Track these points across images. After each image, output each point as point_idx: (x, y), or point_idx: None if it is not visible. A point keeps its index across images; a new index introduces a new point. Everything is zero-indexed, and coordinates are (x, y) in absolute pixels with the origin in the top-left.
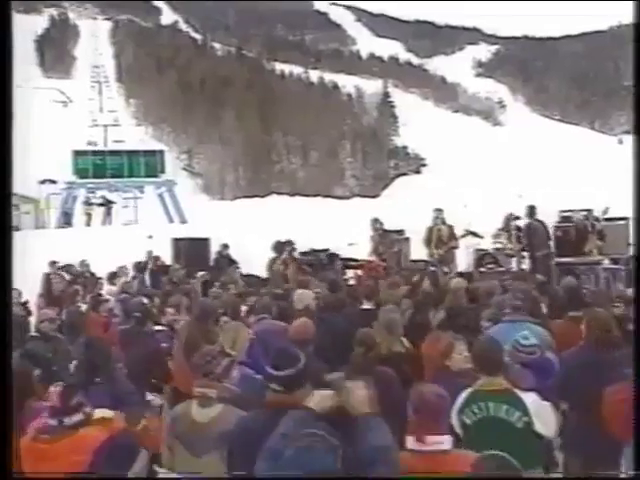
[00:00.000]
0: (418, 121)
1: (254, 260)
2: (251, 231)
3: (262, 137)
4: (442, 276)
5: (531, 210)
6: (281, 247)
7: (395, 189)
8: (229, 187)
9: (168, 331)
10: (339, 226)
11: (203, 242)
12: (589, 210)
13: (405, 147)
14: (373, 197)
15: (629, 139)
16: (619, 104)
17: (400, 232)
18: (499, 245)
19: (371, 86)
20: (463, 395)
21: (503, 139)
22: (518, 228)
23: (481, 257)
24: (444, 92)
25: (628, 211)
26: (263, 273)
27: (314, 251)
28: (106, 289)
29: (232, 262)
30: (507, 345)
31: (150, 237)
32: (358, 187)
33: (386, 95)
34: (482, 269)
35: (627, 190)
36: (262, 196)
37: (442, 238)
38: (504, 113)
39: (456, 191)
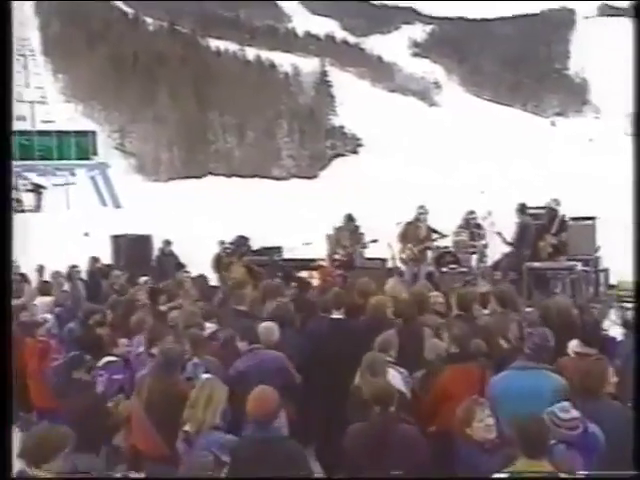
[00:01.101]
0: (355, 101)
1: (196, 252)
2: (190, 218)
3: (197, 116)
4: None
5: (522, 208)
6: (234, 245)
7: (333, 170)
8: (164, 167)
9: (119, 365)
10: (278, 209)
11: (144, 239)
12: (552, 208)
13: (342, 127)
14: (311, 178)
15: (561, 121)
16: (551, 87)
17: (356, 227)
18: (460, 242)
19: (308, 65)
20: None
21: (439, 120)
22: (478, 225)
23: (441, 256)
24: (380, 72)
25: (563, 200)
26: (206, 266)
27: (265, 249)
28: (38, 301)
29: (179, 265)
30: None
31: (86, 234)
32: (295, 168)
33: (323, 74)
34: (444, 269)
35: (563, 174)
36: (198, 177)
37: (419, 236)
38: (440, 94)
39: (395, 173)
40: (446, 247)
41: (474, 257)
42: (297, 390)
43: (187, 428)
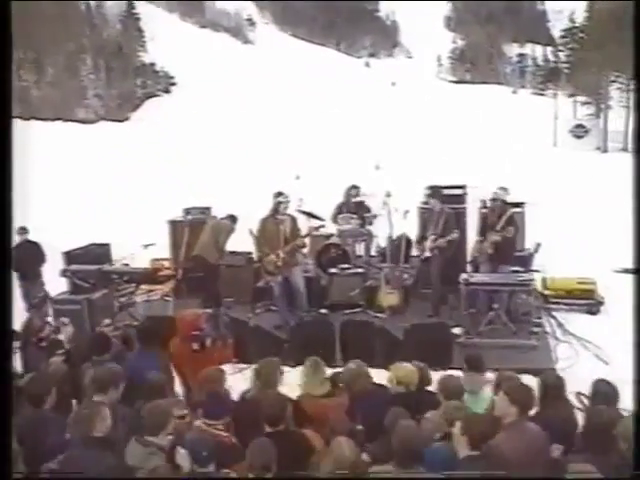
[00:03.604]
0: (165, 36)
1: None
2: None
3: None
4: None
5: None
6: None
7: (145, 111)
8: None
9: None
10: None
11: None
12: (502, 200)
13: (153, 64)
14: (122, 121)
15: (375, 62)
16: (363, 28)
17: (205, 210)
18: (347, 232)
19: None
20: None
21: (255, 58)
22: (366, 208)
23: (325, 249)
24: (190, 5)
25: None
26: None
27: (81, 251)
28: None
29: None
30: None
31: None
32: (104, 109)
33: (130, 6)
34: (332, 270)
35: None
36: None
37: (285, 235)
38: (253, 31)
39: (215, 117)
40: (330, 235)
41: (362, 249)
42: None
43: None
